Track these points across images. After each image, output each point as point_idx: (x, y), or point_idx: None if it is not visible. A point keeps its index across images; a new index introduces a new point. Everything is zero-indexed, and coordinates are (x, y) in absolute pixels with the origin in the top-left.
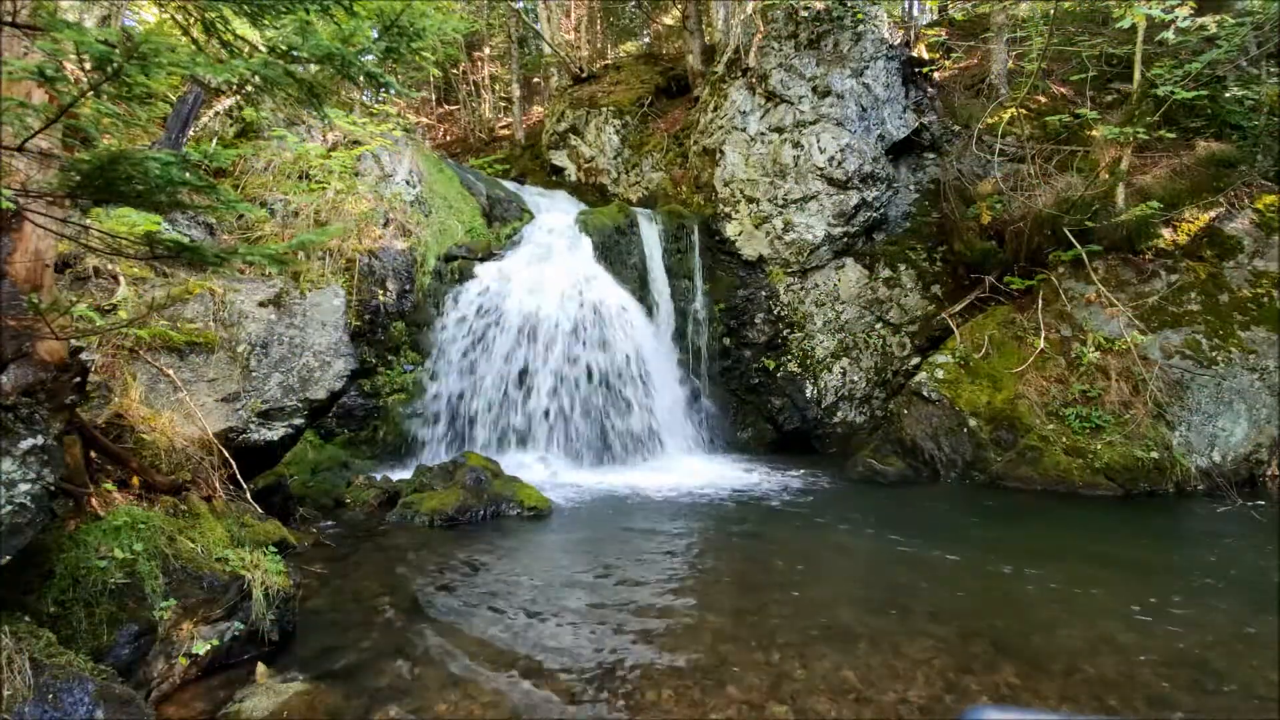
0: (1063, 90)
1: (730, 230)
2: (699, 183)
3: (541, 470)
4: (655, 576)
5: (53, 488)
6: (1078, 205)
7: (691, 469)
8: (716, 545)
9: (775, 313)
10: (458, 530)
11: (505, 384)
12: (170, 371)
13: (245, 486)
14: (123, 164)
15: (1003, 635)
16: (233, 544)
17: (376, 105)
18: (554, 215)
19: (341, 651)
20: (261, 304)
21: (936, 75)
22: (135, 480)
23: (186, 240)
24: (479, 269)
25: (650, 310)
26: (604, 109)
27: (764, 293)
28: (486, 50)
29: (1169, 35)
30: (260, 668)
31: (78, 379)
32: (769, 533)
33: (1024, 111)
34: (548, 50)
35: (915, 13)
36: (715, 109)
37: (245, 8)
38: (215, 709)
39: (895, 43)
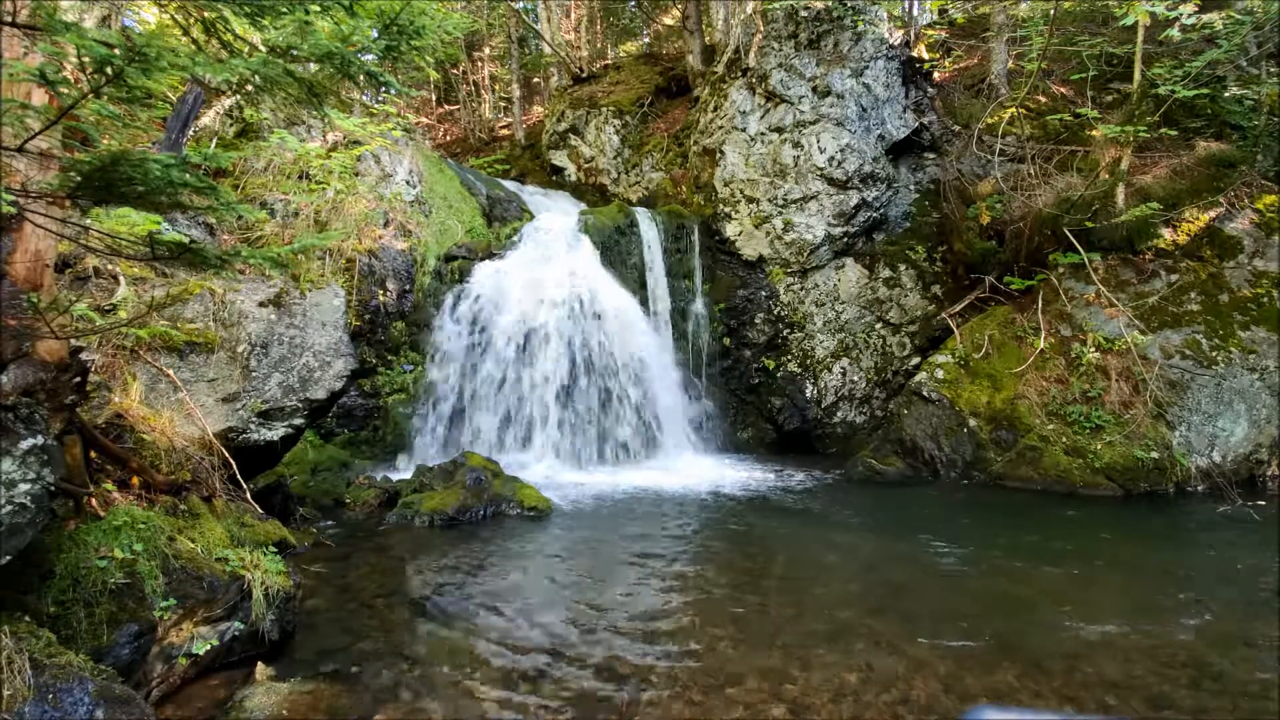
0: (1063, 90)
1: (730, 230)
2: (699, 183)
3: (541, 470)
4: (655, 576)
5: (53, 488)
6: (1078, 205)
7: (691, 469)
8: (716, 545)
9: (775, 313)
10: (458, 530)
11: (505, 384)
12: (170, 371)
13: (245, 486)
14: (123, 165)
15: (1003, 635)
16: (233, 544)
17: (376, 105)
18: (554, 215)
19: (341, 651)
20: (261, 304)
21: (936, 75)
22: (135, 480)
23: (187, 240)
24: (479, 269)
25: (650, 310)
26: (604, 109)
27: (764, 293)
28: (486, 50)
29: (1173, 33)
30: (260, 667)
31: (78, 379)
32: (769, 533)
33: (1024, 111)
34: (548, 50)
35: (915, 13)
36: (715, 109)
37: (245, 8)
38: (215, 709)
39: (895, 43)
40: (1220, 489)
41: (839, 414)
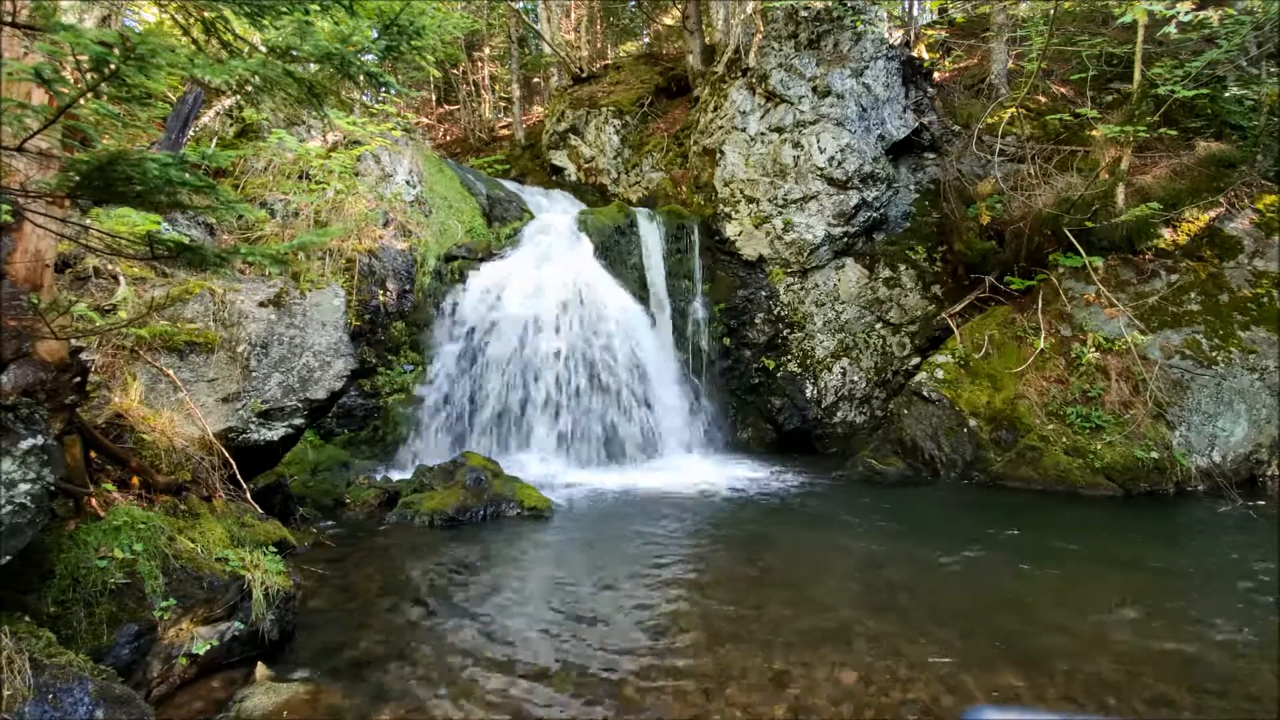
0: (1063, 90)
1: (730, 230)
2: (699, 183)
3: (541, 470)
4: (655, 577)
5: (53, 488)
6: (1078, 205)
7: (691, 469)
8: (716, 545)
9: (775, 313)
10: (458, 530)
11: (505, 384)
12: (170, 371)
13: (245, 486)
14: (121, 164)
15: (1003, 635)
16: (233, 544)
17: (376, 105)
18: (554, 215)
19: (341, 651)
20: (261, 304)
21: (936, 75)
22: (135, 480)
23: (187, 240)
24: (479, 269)
25: (650, 310)
26: (604, 109)
27: (764, 293)
28: (486, 50)
29: (1171, 30)
30: (260, 667)
31: (78, 379)
32: (769, 533)
33: (1024, 111)
34: (548, 50)
35: (915, 13)
36: (715, 109)
37: (245, 8)
38: (215, 709)
39: (895, 43)
40: (1220, 489)
41: (839, 414)
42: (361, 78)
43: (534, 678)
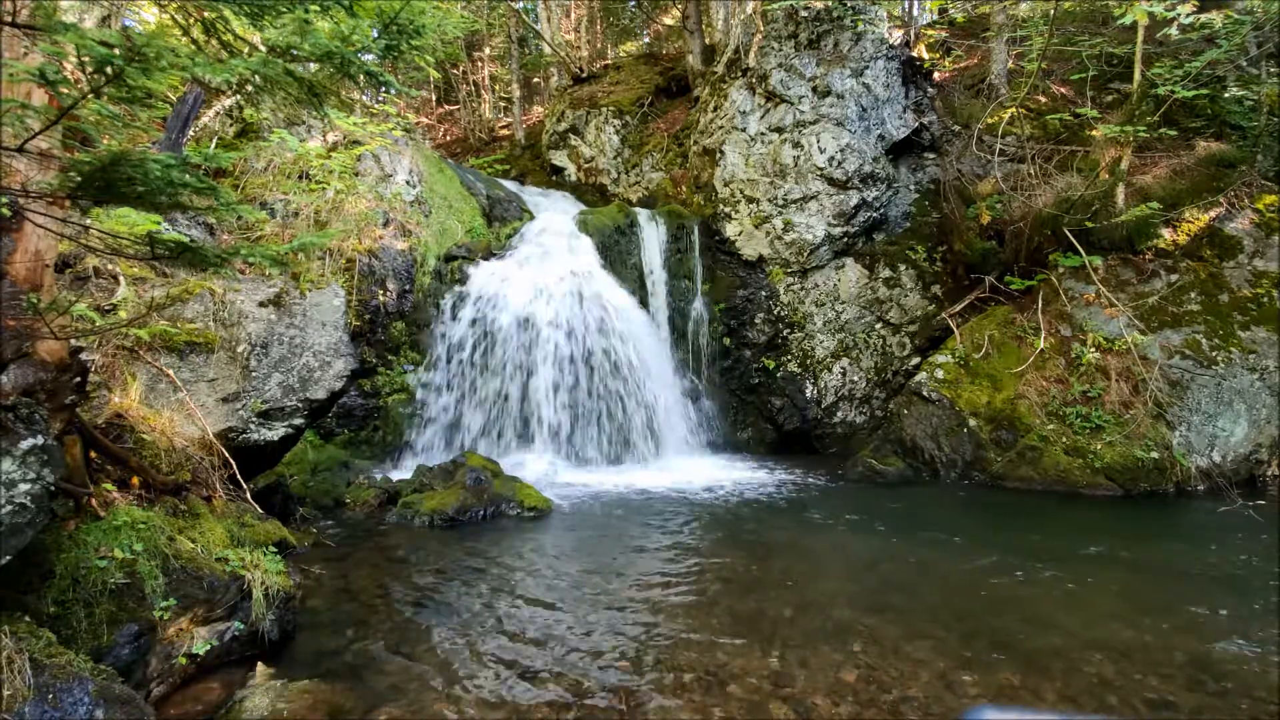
0: (1063, 90)
1: (730, 230)
2: (699, 183)
3: (541, 470)
4: (655, 577)
5: (53, 488)
6: (1078, 205)
7: (691, 469)
8: (716, 545)
9: (775, 313)
10: (458, 530)
11: (505, 384)
12: (170, 371)
13: (245, 486)
14: (123, 165)
15: (1003, 635)
16: (233, 544)
17: (376, 105)
18: (554, 215)
19: (341, 651)
20: (261, 304)
21: (936, 75)
22: (135, 480)
23: (187, 240)
24: (479, 269)
25: (650, 310)
26: (604, 109)
27: (764, 293)
28: (486, 50)
29: (1172, 32)
30: (260, 667)
31: (78, 379)
32: (769, 533)
33: (1024, 111)
34: (548, 50)
35: (915, 13)
36: (715, 109)
37: (245, 8)
38: (215, 709)
39: (895, 43)
40: (1220, 489)
41: (839, 414)
42: (361, 77)
43: (534, 677)
